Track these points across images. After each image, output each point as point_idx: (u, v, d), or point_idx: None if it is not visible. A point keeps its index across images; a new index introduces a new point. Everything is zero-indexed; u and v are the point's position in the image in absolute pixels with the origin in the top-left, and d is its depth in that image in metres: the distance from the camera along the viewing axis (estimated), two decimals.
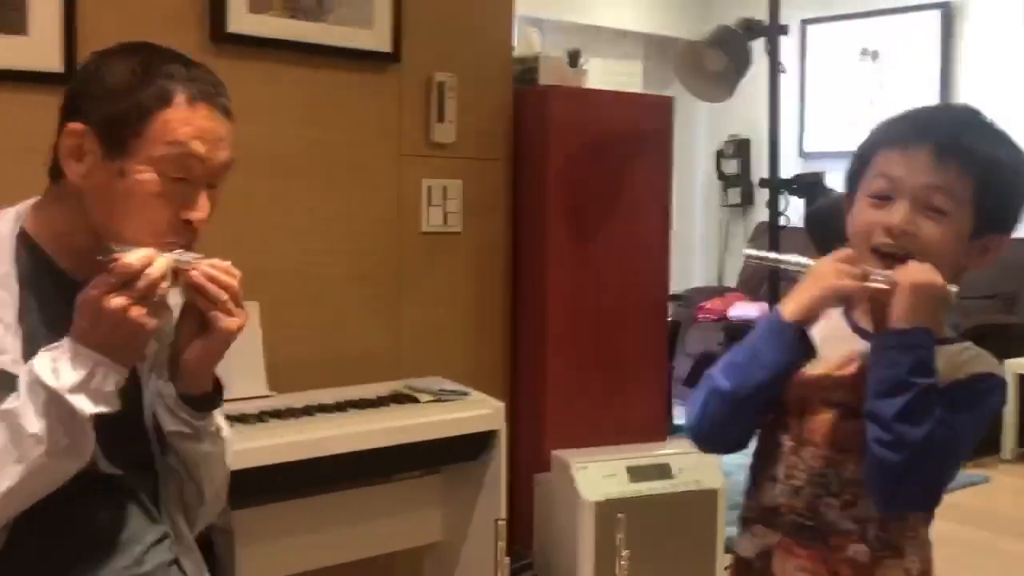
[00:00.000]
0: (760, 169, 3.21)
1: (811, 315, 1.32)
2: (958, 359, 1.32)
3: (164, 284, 1.26)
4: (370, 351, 2.65)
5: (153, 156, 1.31)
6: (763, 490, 1.42)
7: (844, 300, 1.36)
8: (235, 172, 2.48)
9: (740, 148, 6.91)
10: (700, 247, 7.27)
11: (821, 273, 1.33)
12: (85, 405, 1.23)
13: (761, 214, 5.52)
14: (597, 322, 2.93)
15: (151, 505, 1.44)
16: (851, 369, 1.36)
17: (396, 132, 2.70)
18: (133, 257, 1.24)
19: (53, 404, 1.22)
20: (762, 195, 3.44)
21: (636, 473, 2.62)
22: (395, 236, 2.71)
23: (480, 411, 2.45)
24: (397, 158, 2.71)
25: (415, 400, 2.44)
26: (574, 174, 2.89)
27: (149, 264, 1.25)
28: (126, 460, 1.42)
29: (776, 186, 3.06)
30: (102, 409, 1.25)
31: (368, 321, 2.67)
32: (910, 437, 1.24)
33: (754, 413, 1.38)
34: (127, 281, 1.23)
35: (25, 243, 1.36)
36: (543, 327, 2.87)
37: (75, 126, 1.32)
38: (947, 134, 1.33)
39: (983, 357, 1.34)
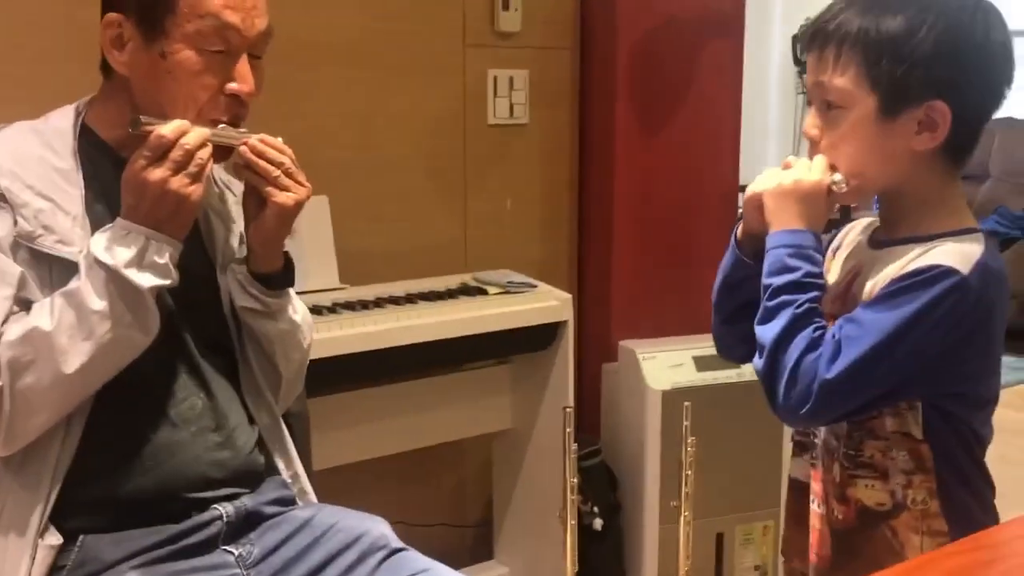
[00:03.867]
0: None
1: (747, 226, 1.32)
2: (913, 258, 1.20)
3: (202, 153, 1.27)
4: (437, 244, 2.67)
5: (188, 32, 1.31)
6: None
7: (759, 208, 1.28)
8: (297, 63, 2.47)
9: None
10: (774, 136, 7.10)
11: None
12: (141, 279, 1.26)
13: None
14: (665, 213, 2.90)
15: (234, 390, 1.49)
16: (846, 280, 1.31)
17: (460, 21, 2.66)
18: (166, 128, 1.25)
19: (112, 281, 1.25)
20: None
21: (703, 363, 2.62)
22: (461, 128, 2.70)
23: (547, 303, 2.47)
24: (462, 48, 2.68)
25: (483, 292, 2.46)
26: (642, 62, 2.82)
27: (183, 134, 1.26)
28: (208, 345, 1.46)
29: None
30: (158, 282, 1.28)
31: (435, 214, 2.68)
32: (763, 339, 1.21)
33: (730, 320, 1.38)
34: (164, 152, 1.25)
35: (86, 135, 1.39)
36: (610, 218, 2.85)
37: (112, 16, 1.34)
38: (821, 25, 1.24)
39: (941, 251, 1.18)
